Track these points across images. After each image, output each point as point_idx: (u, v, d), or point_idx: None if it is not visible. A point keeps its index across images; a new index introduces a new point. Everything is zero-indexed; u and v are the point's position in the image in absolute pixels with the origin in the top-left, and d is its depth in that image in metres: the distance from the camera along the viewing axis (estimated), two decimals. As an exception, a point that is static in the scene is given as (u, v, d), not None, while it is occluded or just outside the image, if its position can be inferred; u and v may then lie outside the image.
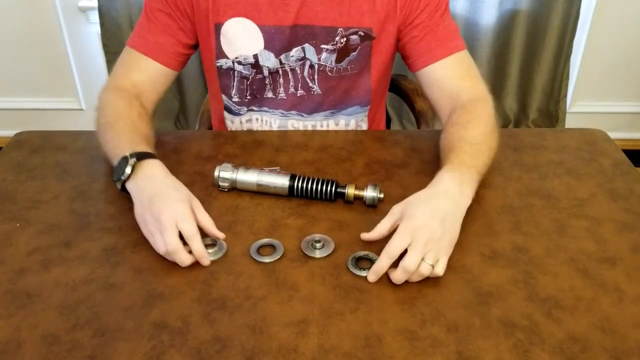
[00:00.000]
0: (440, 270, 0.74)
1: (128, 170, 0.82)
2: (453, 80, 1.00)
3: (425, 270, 0.73)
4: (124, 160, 0.83)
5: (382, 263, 0.74)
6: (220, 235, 0.81)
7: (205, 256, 0.78)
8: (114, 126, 0.92)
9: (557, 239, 0.84)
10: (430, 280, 0.76)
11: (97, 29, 2.16)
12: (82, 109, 2.44)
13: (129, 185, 0.83)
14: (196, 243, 0.77)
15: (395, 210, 0.79)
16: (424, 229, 0.74)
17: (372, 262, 0.78)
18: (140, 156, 0.84)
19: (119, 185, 0.84)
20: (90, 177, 0.97)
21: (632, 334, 0.69)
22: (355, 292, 0.74)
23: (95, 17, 2.14)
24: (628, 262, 0.80)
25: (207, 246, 0.80)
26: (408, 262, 0.73)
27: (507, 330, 0.69)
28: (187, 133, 1.11)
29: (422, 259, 0.73)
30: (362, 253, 0.80)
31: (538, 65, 2.24)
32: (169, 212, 0.77)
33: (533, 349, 0.67)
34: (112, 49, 2.16)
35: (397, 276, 0.74)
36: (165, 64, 1.02)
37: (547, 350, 0.67)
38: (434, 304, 0.73)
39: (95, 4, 2.08)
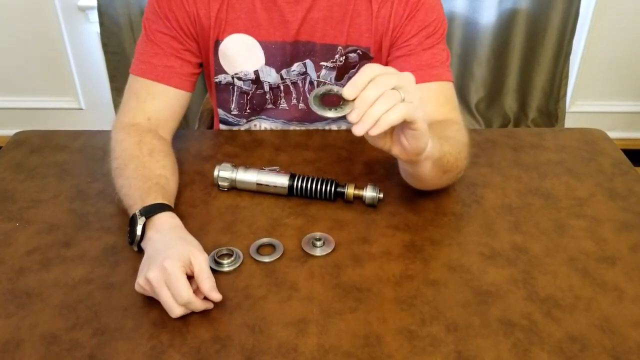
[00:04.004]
0: (402, 108, 0.66)
1: (139, 232, 0.78)
2: (428, 103, 0.94)
3: (395, 96, 0.66)
4: (134, 219, 0.79)
5: (359, 80, 0.66)
6: (216, 297, 0.70)
7: (207, 307, 0.72)
8: (124, 171, 0.87)
9: (556, 239, 0.84)
10: (429, 280, 0.76)
11: (96, 28, 2.16)
12: (81, 109, 2.43)
13: (142, 245, 0.79)
14: (192, 308, 0.70)
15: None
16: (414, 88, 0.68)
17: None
18: (150, 211, 0.79)
19: (135, 248, 0.80)
20: (90, 177, 0.97)
21: (631, 334, 0.69)
22: (354, 292, 0.74)
23: (94, 16, 2.14)
24: (627, 262, 0.80)
25: (223, 256, 0.80)
26: (373, 72, 0.66)
27: (507, 330, 0.69)
28: (186, 132, 1.11)
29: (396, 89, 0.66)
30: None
31: (537, 65, 2.24)
32: (156, 273, 0.70)
33: (532, 348, 0.67)
34: (111, 49, 2.16)
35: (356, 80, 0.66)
36: (179, 87, 0.98)
37: (547, 349, 0.67)
38: (433, 304, 0.73)
39: (95, 3, 2.08)
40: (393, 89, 0.67)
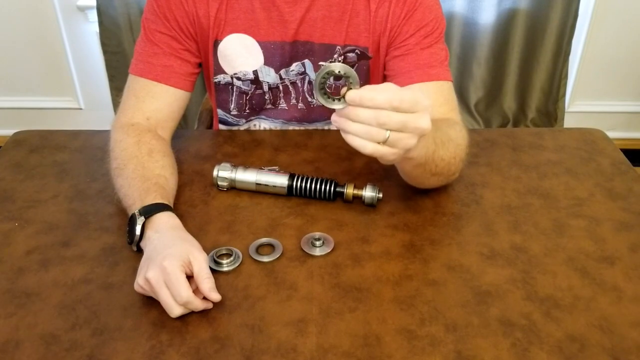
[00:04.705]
0: (383, 137, 0.66)
1: (138, 231, 0.78)
2: None
3: (378, 136, 0.66)
4: (133, 219, 0.79)
5: (355, 98, 0.66)
6: (215, 297, 0.71)
7: (206, 306, 0.72)
8: (123, 171, 0.87)
9: (555, 239, 0.84)
10: (429, 280, 0.76)
11: (95, 28, 2.16)
12: (80, 108, 2.43)
13: (142, 245, 0.79)
14: (192, 307, 0.70)
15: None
16: (423, 102, 0.67)
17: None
18: (149, 211, 0.79)
19: (134, 248, 0.81)
20: (89, 177, 0.97)
21: (630, 333, 0.69)
22: (354, 292, 0.74)
23: (94, 16, 2.14)
24: (626, 262, 0.80)
25: (222, 256, 0.80)
26: (380, 101, 0.64)
27: (506, 330, 0.69)
28: (185, 132, 1.11)
29: (388, 130, 0.66)
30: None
31: (537, 65, 2.25)
32: (155, 272, 0.70)
33: (532, 348, 0.67)
34: (110, 48, 2.16)
35: (352, 97, 0.65)
36: (178, 86, 0.98)
37: (546, 349, 0.67)
38: (432, 303, 0.73)
39: (94, 3, 2.07)
40: (389, 129, 0.66)
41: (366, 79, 1.05)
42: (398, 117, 0.66)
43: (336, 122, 0.69)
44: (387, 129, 0.66)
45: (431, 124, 0.69)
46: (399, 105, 0.65)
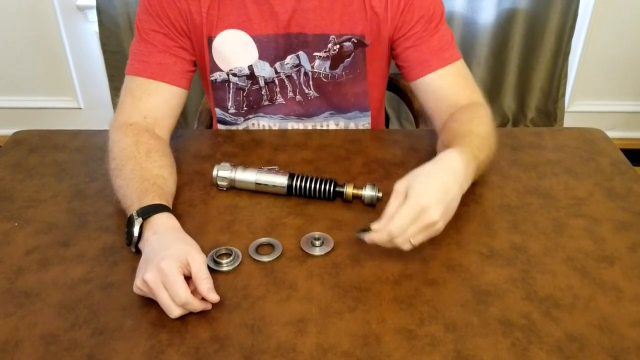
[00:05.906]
0: (410, 246, 0.75)
1: (136, 232, 0.78)
2: (450, 89, 0.99)
3: (405, 247, 0.75)
4: (131, 220, 0.79)
5: (382, 237, 0.74)
6: (214, 298, 0.70)
7: (205, 307, 0.72)
8: (121, 171, 0.87)
9: (555, 238, 0.84)
10: (428, 280, 0.76)
11: (95, 27, 2.16)
12: (80, 108, 2.43)
13: (140, 246, 0.79)
14: (190, 308, 0.70)
15: (400, 188, 0.76)
16: (429, 212, 0.73)
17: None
18: (147, 212, 0.79)
19: (132, 249, 0.80)
20: (89, 176, 0.97)
21: (629, 333, 0.69)
22: (353, 291, 0.74)
23: (93, 15, 2.14)
24: (626, 261, 0.80)
25: (222, 256, 0.80)
26: (396, 231, 0.73)
27: (505, 329, 0.69)
28: (185, 132, 1.11)
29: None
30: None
31: (536, 64, 2.25)
32: (153, 274, 0.70)
33: (531, 347, 0.67)
34: (110, 48, 2.16)
35: (378, 238, 0.75)
36: (174, 83, 0.98)
37: (545, 349, 0.67)
38: (432, 303, 0.73)
39: (94, 2, 2.07)
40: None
41: (362, 66, 1.05)
42: (412, 230, 0.74)
43: (372, 239, 0.75)
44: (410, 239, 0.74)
45: (466, 140, 0.86)
46: (412, 220, 0.73)
